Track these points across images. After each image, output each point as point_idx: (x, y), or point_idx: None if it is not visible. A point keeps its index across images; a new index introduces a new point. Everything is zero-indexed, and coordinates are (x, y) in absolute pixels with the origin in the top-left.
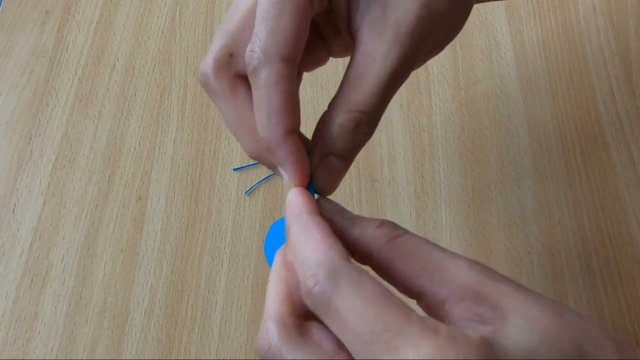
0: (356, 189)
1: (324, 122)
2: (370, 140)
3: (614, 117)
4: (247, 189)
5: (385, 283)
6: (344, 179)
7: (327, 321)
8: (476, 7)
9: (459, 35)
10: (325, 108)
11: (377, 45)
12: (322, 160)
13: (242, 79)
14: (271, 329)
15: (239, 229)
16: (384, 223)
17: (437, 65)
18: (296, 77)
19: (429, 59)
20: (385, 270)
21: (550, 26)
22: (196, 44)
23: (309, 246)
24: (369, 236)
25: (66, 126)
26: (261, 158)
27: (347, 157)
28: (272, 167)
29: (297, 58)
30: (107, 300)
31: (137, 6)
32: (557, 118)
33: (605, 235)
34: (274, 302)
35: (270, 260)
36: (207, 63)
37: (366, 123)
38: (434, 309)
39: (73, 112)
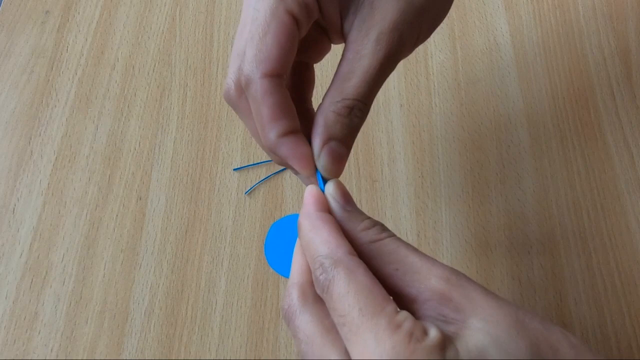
0: (356, 189)
1: (320, 113)
2: (370, 140)
3: (614, 117)
4: (247, 189)
5: None
6: (344, 179)
7: (326, 303)
8: (476, 7)
9: (459, 35)
10: None
11: (365, 43)
12: (324, 145)
13: None
14: (293, 293)
15: (239, 229)
16: (373, 225)
17: (437, 65)
18: (284, 87)
19: (416, 47)
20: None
21: (550, 26)
22: (196, 44)
23: (318, 240)
24: (357, 233)
25: (66, 126)
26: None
27: (346, 140)
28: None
29: (283, 71)
30: (107, 300)
31: (137, 6)
32: (557, 118)
33: (605, 235)
34: (297, 271)
35: (270, 260)
36: (229, 84)
37: (359, 108)
38: (404, 306)
39: (73, 112)
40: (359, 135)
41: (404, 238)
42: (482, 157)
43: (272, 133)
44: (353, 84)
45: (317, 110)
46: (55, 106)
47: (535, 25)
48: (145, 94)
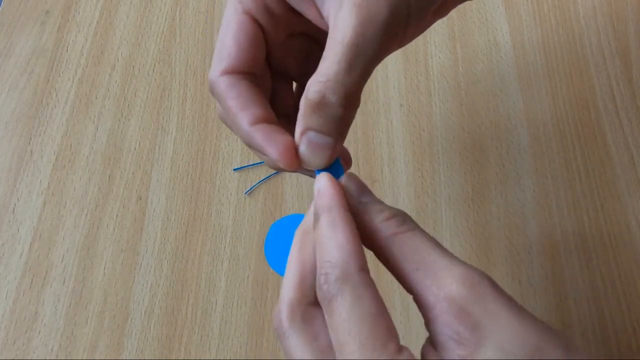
0: None
1: (301, 99)
2: (370, 140)
3: (614, 117)
4: (247, 189)
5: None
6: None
7: (326, 316)
8: (476, 7)
9: (459, 35)
10: None
11: (339, 15)
12: (302, 135)
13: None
14: (283, 311)
15: (239, 229)
16: (394, 215)
17: (437, 65)
18: (250, 82)
19: (409, 24)
20: (384, 262)
21: (550, 26)
22: (196, 44)
23: (333, 242)
24: (376, 225)
25: (66, 126)
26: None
27: (327, 130)
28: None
29: (245, 68)
30: (107, 300)
31: (137, 6)
32: (557, 118)
33: (605, 235)
34: (288, 285)
35: (270, 260)
36: (214, 71)
37: (333, 91)
38: (422, 311)
39: (73, 112)
40: (359, 135)
41: None
42: (482, 157)
43: (243, 122)
44: (327, 62)
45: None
46: (55, 106)
47: (535, 25)
48: (145, 94)
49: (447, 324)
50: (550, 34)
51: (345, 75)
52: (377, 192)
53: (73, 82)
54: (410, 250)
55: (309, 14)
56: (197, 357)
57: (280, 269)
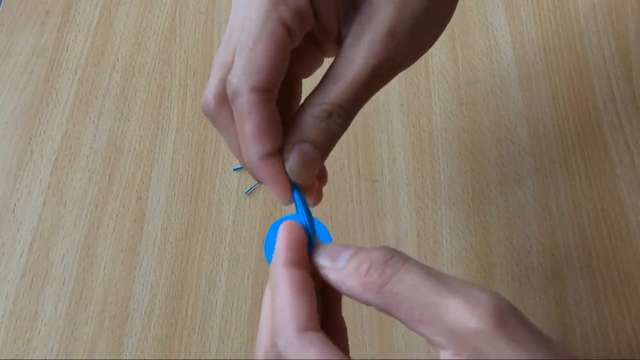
0: (356, 189)
1: (297, 113)
2: (370, 140)
3: (614, 117)
4: (247, 189)
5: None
6: (344, 180)
7: None
8: (476, 7)
9: (459, 35)
10: None
11: (357, 47)
12: (294, 147)
13: None
14: (258, 355)
15: (239, 229)
16: (370, 265)
17: (437, 65)
18: (274, 102)
19: (414, 61)
20: (388, 314)
21: (550, 26)
22: (196, 44)
23: (276, 306)
24: (360, 288)
25: (66, 126)
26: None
27: (321, 146)
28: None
29: (274, 86)
30: (107, 300)
31: (137, 6)
32: (557, 118)
33: (605, 235)
34: (263, 327)
35: (270, 260)
36: (207, 97)
37: (338, 114)
38: (440, 354)
39: (73, 112)
40: (359, 135)
41: (403, 238)
42: (482, 157)
43: (253, 153)
44: (337, 88)
45: (296, 111)
46: (55, 106)
47: (535, 25)
48: (145, 94)
49: None
50: (550, 34)
51: (354, 105)
52: (377, 192)
53: (73, 82)
54: (405, 299)
55: (329, 28)
56: (197, 357)
57: None
